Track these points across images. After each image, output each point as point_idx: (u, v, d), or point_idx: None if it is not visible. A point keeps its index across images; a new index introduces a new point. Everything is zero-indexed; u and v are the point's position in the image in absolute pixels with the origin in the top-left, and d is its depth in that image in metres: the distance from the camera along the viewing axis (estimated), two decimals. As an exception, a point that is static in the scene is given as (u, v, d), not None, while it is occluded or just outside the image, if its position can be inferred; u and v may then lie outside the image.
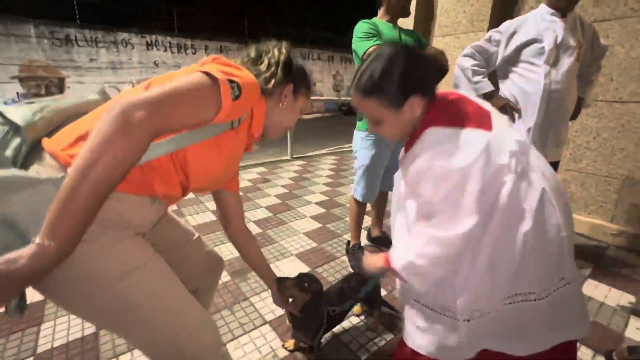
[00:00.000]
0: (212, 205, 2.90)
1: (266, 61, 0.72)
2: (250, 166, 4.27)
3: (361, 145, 1.77)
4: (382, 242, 2.13)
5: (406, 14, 1.68)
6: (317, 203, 2.96)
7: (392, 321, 1.47)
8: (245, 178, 3.77)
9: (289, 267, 1.93)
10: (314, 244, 2.20)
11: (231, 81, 0.57)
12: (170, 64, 11.13)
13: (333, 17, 20.04)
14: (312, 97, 0.95)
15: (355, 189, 1.89)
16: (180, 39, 11.21)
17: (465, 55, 1.62)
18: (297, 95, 0.79)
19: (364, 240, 2.19)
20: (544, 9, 1.53)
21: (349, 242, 2.04)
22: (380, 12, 1.69)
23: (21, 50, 8.61)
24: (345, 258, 2.02)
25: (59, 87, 9.21)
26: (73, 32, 9.31)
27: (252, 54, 0.75)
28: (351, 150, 5.45)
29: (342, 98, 12.08)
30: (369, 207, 2.07)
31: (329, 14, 20.37)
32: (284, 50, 0.74)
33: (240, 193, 3.38)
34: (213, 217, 2.63)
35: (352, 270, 1.89)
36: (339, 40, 14.77)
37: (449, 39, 2.75)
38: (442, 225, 0.66)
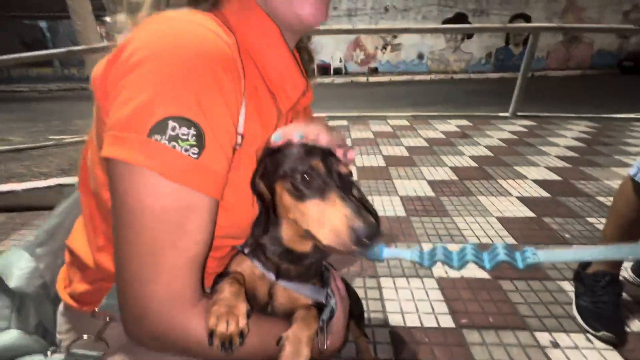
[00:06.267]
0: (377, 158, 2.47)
1: None
2: (449, 117, 3.43)
3: None
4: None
5: None
6: (536, 181, 1.91)
7: None
8: (439, 129, 3.03)
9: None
10: (510, 240, 1.37)
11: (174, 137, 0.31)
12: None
13: None
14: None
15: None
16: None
17: None
18: None
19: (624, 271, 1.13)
20: None
21: (585, 265, 1.07)
22: None
23: None
24: (564, 285, 1.10)
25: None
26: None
27: None
28: (628, 119, 3.34)
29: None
30: None
31: None
32: None
33: (425, 144, 2.77)
34: (382, 163, 2.21)
35: (575, 312, 0.99)
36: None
37: None
38: None
